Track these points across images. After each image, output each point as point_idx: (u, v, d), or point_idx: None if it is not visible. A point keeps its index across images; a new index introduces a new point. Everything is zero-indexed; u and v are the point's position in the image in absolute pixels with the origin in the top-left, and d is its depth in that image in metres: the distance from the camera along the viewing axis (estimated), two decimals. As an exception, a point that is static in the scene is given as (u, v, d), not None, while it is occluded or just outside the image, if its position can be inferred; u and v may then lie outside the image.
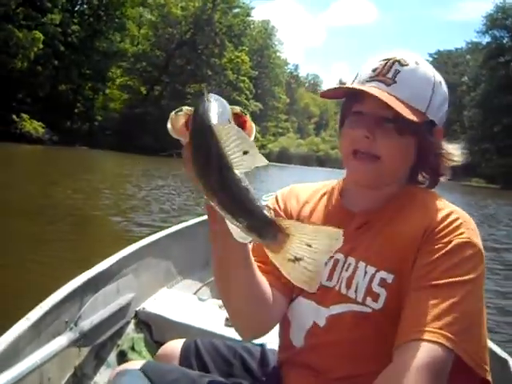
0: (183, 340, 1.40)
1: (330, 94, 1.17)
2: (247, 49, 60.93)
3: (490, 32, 64.89)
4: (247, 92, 57.36)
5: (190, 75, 51.42)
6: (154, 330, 2.31)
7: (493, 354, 1.75)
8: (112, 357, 2.13)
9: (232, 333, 1.53)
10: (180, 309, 2.37)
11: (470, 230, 1.02)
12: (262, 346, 1.39)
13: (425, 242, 1.01)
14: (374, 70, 1.10)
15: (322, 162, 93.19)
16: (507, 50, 59.25)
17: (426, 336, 0.90)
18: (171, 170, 21.38)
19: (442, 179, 1.18)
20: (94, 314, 1.90)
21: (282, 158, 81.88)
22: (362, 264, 1.07)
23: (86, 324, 1.82)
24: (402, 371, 0.88)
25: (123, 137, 41.49)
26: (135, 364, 1.24)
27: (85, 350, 1.94)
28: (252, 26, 69.99)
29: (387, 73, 1.08)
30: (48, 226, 6.87)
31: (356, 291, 1.06)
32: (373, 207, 1.14)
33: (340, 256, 1.12)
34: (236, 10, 56.33)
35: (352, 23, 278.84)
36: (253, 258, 1.06)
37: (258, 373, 1.30)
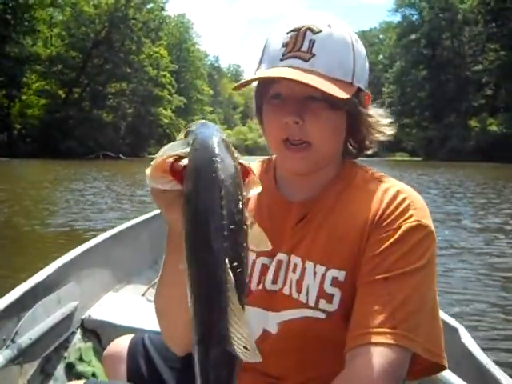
0: (131, 336, 1.35)
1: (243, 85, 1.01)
2: (165, 43, 60.19)
3: (401, 10, 67.59)
4: (169, 87, 56.78)
5: (110, 74, 50.26)
6: (103, 337, 2.22)
7: (444, 323, 1.76)
8: (59, 370, 2.02)
9: None
10: (128, 312, 2.29)
11: (418, 210, 0.94)
12: None
13: (373, 231, 0.93)
14: (284, 45, 0.95)
15: (250, 150, 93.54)
16: (417, 28, 61.89)
17: (381, 339, 0.84)
18: (100, 171, 20.91)
19: (369, 151, 1.09)
20: (33, 327, 1.80)
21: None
22: (309, 264, 0.98)
23: (25, 339, 1.72)
24: (355, 379, 0.83)
25: (45, 143, 40.09)
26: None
27: (27, 367, 1.83)
28: (168, 21, 69.20)
29: (301, 46, 0.93)
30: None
31: (307, 294, 0.97)
32: (311, 196, 1.03)
33: (282, 256, 1.02)
34: (150, 5, 55.44)
35: (271, 13, 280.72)
36: None
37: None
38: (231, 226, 0.57)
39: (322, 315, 0.95)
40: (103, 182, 17.00)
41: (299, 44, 0.93)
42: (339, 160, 1.05)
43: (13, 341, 1.67)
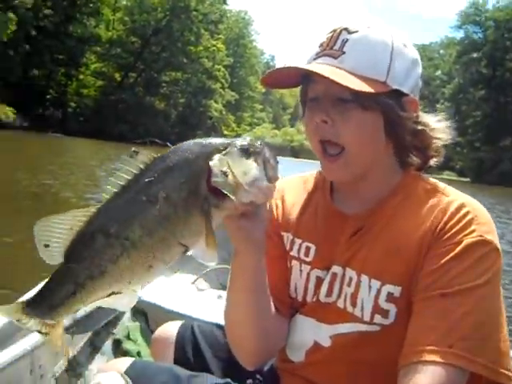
0: (180, 322, 1.37)
1: (283, 82, 1.06)
2: (223, 37, 60.53)
3: (464, 27, 65.84)
4: (223, 81, 57.04)
5: (166, 63, 50.87)
6: (150, 318, 2.28)
7: None
8: (107, 345, 2.09)
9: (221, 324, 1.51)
10: (177, 298, 2.33)
11: (482, 225, 0.91)
12: None
13: (432, 244, 0.91)
14: (321, 45, 0.98)
15: (296, 152, 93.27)
16: (479, 47, 60.18)
17: (434, 357, 0.82)
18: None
19: (433, 162, 1.04)
20: None
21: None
22: (364, 278, 0.97)
23: (80, 311, 1.77)
24: None
25: (97, 124, 40.88)
26: (123, 362, 1.18)
27: (78, 338, 1.91)
28: (228, 15, 69.57)
29: (334, 44, 0.96)
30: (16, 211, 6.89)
31: (362, 309, 0.96)
32: (367, 208, 1.01)
33: (338, 269, 1.02)
34: (212, -2, 55.91)
35: (334, 15, 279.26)
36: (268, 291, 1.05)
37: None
38: None
39: (376, 328, 0.95)
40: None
41: (332, 43, 0.96)
42: (397, 171, 1.02)
43: None
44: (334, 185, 1.10)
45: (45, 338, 0.87)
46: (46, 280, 0.82)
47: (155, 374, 1.11)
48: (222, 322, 1.96)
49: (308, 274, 1.06)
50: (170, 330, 1.36)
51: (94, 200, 8.40)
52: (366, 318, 0.95)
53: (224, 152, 0.78)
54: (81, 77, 46.14)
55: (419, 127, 0.98)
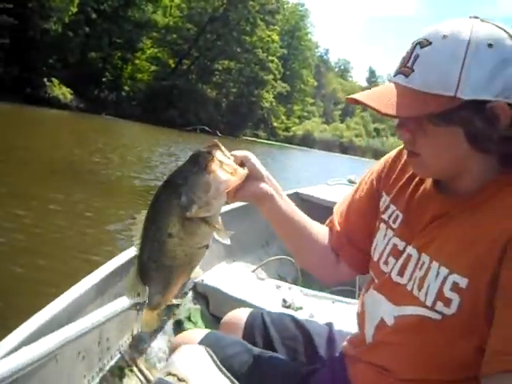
0: (249, 310, 1.40)
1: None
2: (278, 29, 60.30)
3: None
4: (275, 72, 56.89)
5: (220, 51, 51.16)
6: (211, 302, 2.32)
7: None
8: (168, 325, 2.15)
9: (289, 313, 1.52)
10: (238, 285, 2.37)
11: None
12: (329, 325, 1.36)
13: (510, 251, 0.85)
14: (401, 60, 0.97)
15: (345, 149, 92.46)
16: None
17: (510, 366, 0.80)
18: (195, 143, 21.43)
19: None
20: None
21: (305, 141, 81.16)
22: (435, 264, 0.96)
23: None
24: None
25: (149, 108, 41.57)
26: (196, 333, 1.26)
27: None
28: (285, 7, 69.21)
29: (408, 61, 0.93)
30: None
31: (426, 294, 0.95)
32: (455, 195, 1.00)
33: (413, 252, 1.02)
34: (270, -12, 55.68)
35: (391, 13, 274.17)
36: (305, 220, 1.22)
37: (323, 354, 1.26)
38: None
39: (437, 316, 0.93)
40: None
41: (407, 59, 0.94)
42: (496, 168, 0.96)
43: None
44: None
45: (143, 318, 1.05)
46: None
47: (228, 344, 1.17)
48: (279, 311, 1.92)
49: (389, 240, 1.10)
50: (239, 315, 1.39)
51: (140, 180, 8.87)
52: (429, 302, 0.94)
53: (185, 186, 0.91)
54: (136, 61, 46.99)
55: (507, 132, 0.89)
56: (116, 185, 8.42)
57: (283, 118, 70.07)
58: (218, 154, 0.93)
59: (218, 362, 1.09)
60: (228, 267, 2.65)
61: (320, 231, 1.26)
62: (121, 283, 1.75)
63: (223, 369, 1.07)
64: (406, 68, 0.93)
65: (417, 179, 1.10)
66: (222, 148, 0.95)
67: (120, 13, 42.14)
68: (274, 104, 58.20)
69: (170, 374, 1.03)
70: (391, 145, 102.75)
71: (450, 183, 1.02)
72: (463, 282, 0.90)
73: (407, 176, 1.13)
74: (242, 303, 1.99)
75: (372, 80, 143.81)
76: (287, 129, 74.65)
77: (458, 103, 0.87)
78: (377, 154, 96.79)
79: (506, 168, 0.95)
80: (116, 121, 33.08)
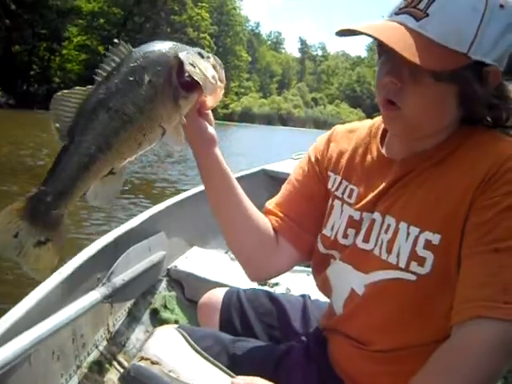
0: (226, 289, 1.39)
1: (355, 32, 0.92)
2: (207, 6, 59.57)
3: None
4: (208, 50, 55.99)
5: (150, 33, 50.03)
6: (186, 288, 2.31)
7: None
8: (144, 314, 2.11)
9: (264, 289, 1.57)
10: (212, 267, 2.35)
11: None
12: (303, 296, 1.36)
13: (480, 195, 0.83)
14: None
15: (284, 121, 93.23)
16: None
17: (491, 313, 0.77)
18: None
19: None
20: (126, 270, 1.86)
21: (244, 117, 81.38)
22: (403, 225, 0.92)
23: (118, 280, 1.78)
24: (463, 352, 0.78)
25: (83, 99, 40.43)
26: (167, 328, 1.19)
27: (117, 307, 1.92)
28: (211, -18, 68.34)
29: (419, 2, 0.85)
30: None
31: (398, 256, 0.92)
32: (414, 156, 0.97)
33: (376, 215, 0.99)
34: (194, -35, 54.79)
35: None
36: (241, 193, 1.12)
37: (299, 328, 1.25)
38: None
39: (412, 277, 0.90)
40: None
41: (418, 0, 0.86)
42: (453, 127, 0.94)
43: (108, 279, 1.74)
44: (387, 134, 1.06)
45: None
46: (54, 161, 0.82)
47: (199, 338, 1.10)
48: (261, 287, 1.91)
49: (347, 216, 1.06)
50: (215, 295, 1.37)
51: None
52: (402, 264, 0.91)
53: (186, 51, 0.90)
54: (64, 51, 45.38)
55: (495, 101, 0.90)
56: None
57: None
58: (215, 57, 0.97)
59: (191, 340, 1.07)
60: (200, 251, 2.61)
61: (260, 215, 1.17)
62: (90, 276, 1.70)
63: (197, 347, 1.06)
64: (416, 9, 0.85)
65: (360, 151, 1.09)
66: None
67: (41, 1, 40.42)
68: (210, 83, 57.77)
69: (142, 358, 1.01)
70: (329, 113, 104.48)
71: (405, 144, 0.99)
72: (436, 239, 0.88)
73: (350, 151, 1.11)
74: (217, 285, 1.90)
75: (304, 50, 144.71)
76: (226, 106, 74.47)
77: (466, 63, 0.84)
78: (317, 123, 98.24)
79: (465, 125, 0.94)
80: (47, 114, 31.99)
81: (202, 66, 0.90)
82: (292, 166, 4.23)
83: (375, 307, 0.97)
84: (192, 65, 0.88)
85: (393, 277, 0.92)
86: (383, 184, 1.00)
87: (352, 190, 1.08)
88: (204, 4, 57.78)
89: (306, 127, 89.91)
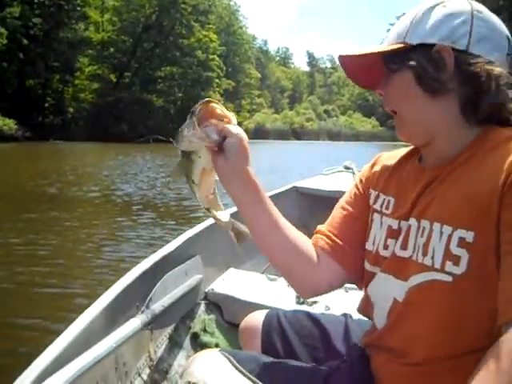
0: (265, 311, 1.38)
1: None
2: (214, 27, 60.29)
3: None
4: (218, 70, 56.94)
5: (160, 59, 50.85)
6: (225, 310, 2.30)
7: None
8: (185, 339, 2.10)
9: (305, 310, 1.55)
10: (249, 288, 2.35)
11: None
12: (345, 316, 1.35)
13: (508, 190, 0.84)
14: None
15: (298, 134, 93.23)
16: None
17: None
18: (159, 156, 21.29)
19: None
20: (164, 296, 1.87)
21: (258, 134, 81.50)
22: (436, 225, 0.93)
23: (157, 306, 1.78)
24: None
25: (97, 126, 41.08)
26: (208, 353, 1.18)
27: (157, 333, 1.92)
28: (217, 4, 69.20)
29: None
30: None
31: (433, 257, 0.92)
32: (443, 161, 1.01)
33: (412, 221, 1.00)
34: (199, -11, 55.61)
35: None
36: (276, 215, 1.10)
37: (342, 348, 1.23)
38: None
39: (448, 278, 0.89)
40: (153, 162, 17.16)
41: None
42: (470, 128, 0.98)
43: (147, 307, 1.74)
44: (421, 150, 1.11)
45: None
46: None
47: (242, 361, 1.10)
48: (294, 309, 1.87)
49: (386, 226, 1.08)
50: (256, 319, 1.37)
51: (98, 193, 8.75)
52: (437, 264, 0.91)
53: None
54: (76, 81, 46.23)
55: (458, 76, 0.95)
56: (75, 205, 8.44)
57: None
58: (197, 109, 1.04)
59: (236, 363, 1.06)
60: (236, 272, 2.59)
61: (300, 235, 1.18)
62: (129, 304, 1.71)
63: (242, 369, 1.05)
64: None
65: (400, 167, 1.15)
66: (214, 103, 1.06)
67: (52, 35, 41.37)
68: (221, 102, 58.04)
69: (189, 382, 1.01)
70: (343, 124, 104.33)
71: (431, 153, 1.05)
72: (469, 236, 0.88)
73: (391, 169, 1.16)
74: (255, 306, 1.90)
75: (313, 63, 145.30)
76: (239, 124, 74.44)
77: (403, 46, 0.97)
78: (331, 135, 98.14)
79: (483, 125, 0.98)
80: (65, 144, 32.51)
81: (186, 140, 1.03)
82: (323, 181, 4.00)
83: (414, 313, 0.96)
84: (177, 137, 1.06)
85: (429, 279, 0.92)
86: (416, 191, 1.02)
87: (389, 201, 1.11)
88: (211, 26, 58.51)
89: (320, 140, 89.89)
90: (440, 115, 0.98)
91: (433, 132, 1.00)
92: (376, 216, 1.13)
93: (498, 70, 0.93)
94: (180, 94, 52.49)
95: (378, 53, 1.01)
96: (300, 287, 1.22)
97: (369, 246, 1.12)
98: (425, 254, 0.94)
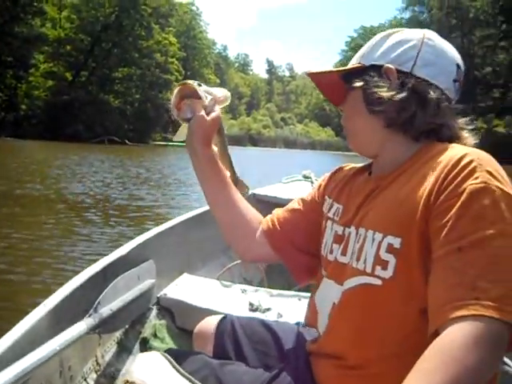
0: (220, 316, 1.41)
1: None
2: (174, 30, 60.02)
3: (410, 8, 67.66)
4: (177, 74, 56.64)
5: (118, 59, 50.19)
6: (177, 316, 2.27)
7: None
8: (134, 344, 2.06)
9: (257, 316, 1.54)
10: (202, 294, 2.31)
11: (485, 172, 0.87)
12: (297, 324, 1.37)
13: (437, 199, 0.88)
14: None
15: (255, 141, 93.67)
16: (425, 26, 61.63)
17: (464, 312, 0.77)
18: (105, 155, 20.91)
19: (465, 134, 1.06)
20: (114, 300, 1.82)
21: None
22: (370, 232, 0.99)
23: (106, 310, 1.74)
24: (447, 354, 0.75)
25: (52, 125, 40.15)
26: (154, 354, 1.21)
27: (106, 337, 1.87)
28: (177, 8, 68.94)
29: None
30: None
31: (365, 262, 0.98)
32: (385, 170, 1.08)
33: (352, 228, 1.07)
34: (160, -9, 55.35)
35: (283, 3, 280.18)
36: (229, 183, 1.28)
37: (292, 355, 1.23)
38: None
39: (378, 282, 0.94)
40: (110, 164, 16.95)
41: None
42: (413, 143, 1.06)
43: (95, 310, 1.70)
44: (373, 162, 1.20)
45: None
46: None
47: (186, 362, 1.13)
48: (247, 315, 1.91)
49: (333, 232, 1.15)
50: (210, 323, 1.39)
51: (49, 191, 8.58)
52: (368, 269, 0.97)
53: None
54: (30, 78, 45.06)
55: (399, 95, 1.02)
56: (27, 204, 8.18)
57: (190, 118, 69.58)
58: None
59: (175, 364, 1.06)
60: (190, 277, 2.54)
61: (250, 209, 1.34)
62: (76, 308, 1.66)
63: (181, 370, 1.06)
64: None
65: (354, 176, 1.23)
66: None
67: (6, 29, 40.23)
68: (179, 106, 57.88)
69: (127, 382, 1.01)
70: (299, 132, 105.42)
71: (377, 165, 1.14)
72: (397, 242, 0.92)
73: (346, 179, 1.24)
74: (208, 312, 1.87)
75: (272, 71, 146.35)
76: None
77: (357, 67, 1.09)
78: (288, 143, 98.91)
79: (425, 141, 1.05)
80: (16, 142, 31.50)
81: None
82: (282, 189, 4.09)
83: (347, 316, 1.01)
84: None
85: (361, 282, 0.98)
86: (360, 200, 1.10)
87: (339, 209, 1.18)
88: (171, 29, 58.26)
89: (276, 147, 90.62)
90: (383, 131, 1.07)
91: (377, 146, 1.10)
92: (329, 223, 1.19)
93: (438, 92, 1.02)
94: (137, 96, 51.92)
95: (337, 71, 1.12)
96: (239, 250, 1.37)
97: (322, 251, 1.19)
98: (358, 259, 1.00)
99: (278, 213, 1.34)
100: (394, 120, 1.04)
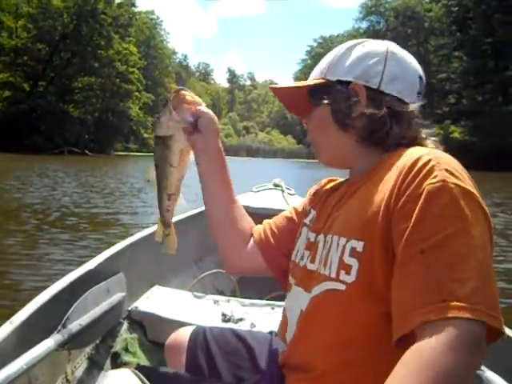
0: (193, 327, 1.39)
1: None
2: (134, 40, 59.61)
3: (367, 18, 69.20)
4: (138, 84, 56.25)
5: (77, 68, 49.40)
6: (148, 329, 2.24)
7: None
8: (105, 359, 2.02)
9: (230, 327, 1.57)
10: (174, 306, 2.29)
11: (444, 170, 0.85)
12: (271, 333, 1.34)
13: (396, 201, 0.87)
14: None
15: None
16: (382, 36, 63.29)
17: (431, 316, 0.75)
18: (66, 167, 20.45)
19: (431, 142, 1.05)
20: (83, 314, 1.78)
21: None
22: (335, 238, 0.99)
23: (75, 325, 1.70)
24: (421, 358, 0.73)
25: (9, 137, 39.10)
26: (125, 371, 1.16)
27: (75, 353, 1.83)
28: (138, 17, 68.56)
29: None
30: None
31: (330, 267, 0.97)
32: (353, 179, 1.12)
33: (320, 237, 1.07)
34: (120, 0, 54.91)
35: (242, 14, 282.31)
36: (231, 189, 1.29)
37: (265, 367, 1.21)
38: None
39: (342, 287, 0.94)
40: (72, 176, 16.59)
41: None
42: (379, 153, 1.06)
43: (64, 326, 1.66)
44: None
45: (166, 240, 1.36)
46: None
47: (159, 379, 1.10)
48: (227, 325, 1.99)
49: (305, 238, 1.16)
50: (182, 335, 1.37)
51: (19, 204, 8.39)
52: (333, 274, 0.96)
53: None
54: (-14, 89, 43.88)
55: (368, 110, 1.03)
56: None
57: (152, 128, 69.22)
58: (170, 98, 1.17)
59: (147, 382, 1.04)
60: (162, 290, 2.51)
61: (245, 216, 1.34)
62: (44, 324, 1.62)
63: None
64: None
65: (335, 188, 1.22)
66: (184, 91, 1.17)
67: (-41, 39, 39.12)
68: (141, 115, 57.47)
69: None
70: (262, 140, 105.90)
71: (350, 175, 1.16)
72: (360, 246, 0.91)
73: (328, 190, 1.24)
74: (180, 324, 1.84)
75: (233, 80, 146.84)
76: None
77: (321, 81, 1.08)
78: (250, 151, 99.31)
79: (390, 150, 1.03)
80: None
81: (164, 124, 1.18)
82: (252, 198, 4.06)
83: (313, 323, 1.00)
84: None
85: (327, 288, 0.97)
86: (330, 207, 1.12)
87: (313, 216, 1.19)
88: (131, 38, 57.81)
89: (238, 155, 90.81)
90: (352, 146, 1.08)
91: (349, 160, 1.11)
92: (304, 229, 1.20)
93: (406, 107, 1.03)
94: (98, 105, 51.23)
95: (301, 87, 1.12)
96: (228, 260, 1.34)
97: (293, 256, 1.19)
98: (325, 264, 1.00)
99: (269, 222, 1.34)
100: (368, 136, 1.05)
